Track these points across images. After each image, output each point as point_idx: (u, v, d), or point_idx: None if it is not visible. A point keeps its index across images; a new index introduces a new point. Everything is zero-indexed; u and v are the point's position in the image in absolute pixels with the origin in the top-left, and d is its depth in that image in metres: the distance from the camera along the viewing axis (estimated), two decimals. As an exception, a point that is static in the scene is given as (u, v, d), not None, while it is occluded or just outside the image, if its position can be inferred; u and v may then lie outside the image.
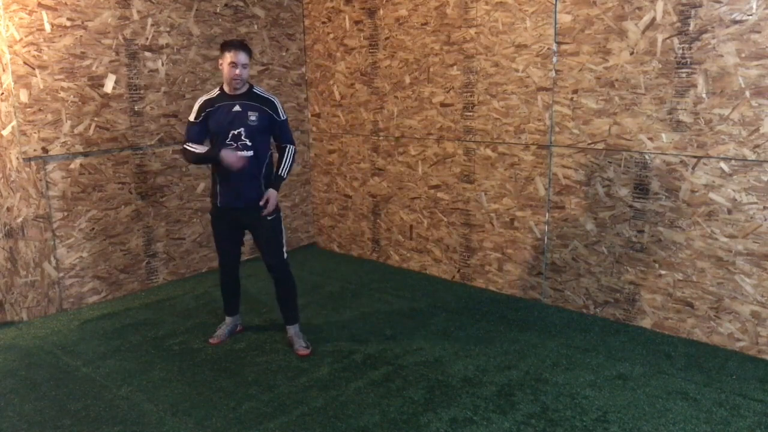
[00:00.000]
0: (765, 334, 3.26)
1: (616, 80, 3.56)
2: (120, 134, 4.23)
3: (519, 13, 3.90)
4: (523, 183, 4.07)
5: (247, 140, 3.21)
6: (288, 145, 3.39)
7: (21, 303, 3.94)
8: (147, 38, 4.28)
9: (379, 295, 4.33)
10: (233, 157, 3.14)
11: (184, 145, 3.25)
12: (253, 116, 3.22)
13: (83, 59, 3.99)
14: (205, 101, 3.26)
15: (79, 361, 3.39)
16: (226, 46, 3.18)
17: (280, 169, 3.36)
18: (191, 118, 3.26)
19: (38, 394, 3.04)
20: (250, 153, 3.21)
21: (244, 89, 3.26)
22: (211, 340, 3.59)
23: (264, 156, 3.30)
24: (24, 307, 3.96)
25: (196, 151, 3.21)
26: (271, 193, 3.29)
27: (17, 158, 3.80)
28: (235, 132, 3.20)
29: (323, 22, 5.12)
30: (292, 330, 3.52)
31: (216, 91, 3.29)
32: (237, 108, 3.21)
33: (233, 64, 3.15)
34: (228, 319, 3.67)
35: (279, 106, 3.34)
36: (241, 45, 3.20)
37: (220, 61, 3.21)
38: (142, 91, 4.30)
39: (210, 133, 3.26)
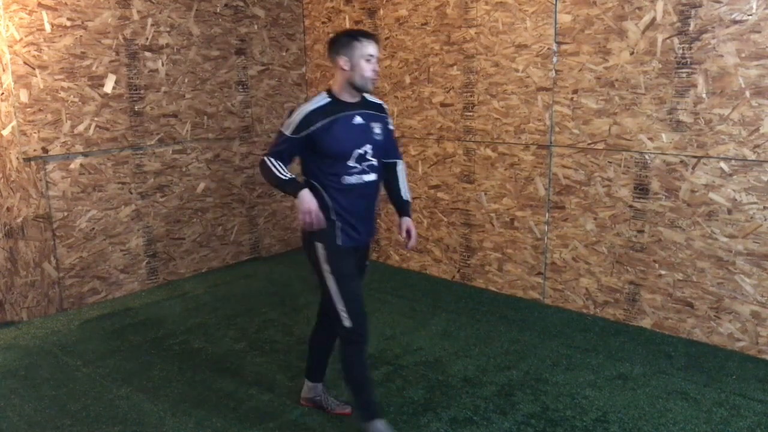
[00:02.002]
0: (765, 334, 3.26)
1: (616, 80, 3.56)
2: (120, 134, 4.23)
3: (519, 13, 3.90)
4: (523, 183, 4.07)
5: (374, 160, 2.49)
6: (399, 161, 2.72)
7: (21, 303, 3.94)
8: (147, 38, 4.28)
9: (379, 295, 4.33)
10: (311, 206, 2.35)
11: (267, 159, 2.44)
12: (377, 128, 2.51)
13: (83, 59, 3.99)
14: (313, 112, 2.40)
15: (79, 361, 3.39)
16: (357, 36, 2.42)
17: (403, 192, 2.72)
18: (287, 131, 2.42)
19: (38, 394, 3.04)
20: (374, 177, 2.51)
21: (359, 95, 2.50)
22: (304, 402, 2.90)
23: (381, 179, 2.62)
24: (24, 307, 3.96)
25: (281, 175, 2.41)
26: (411, 222, 2.68)
27: (17, 158, 3.80)
28: (360, 151, 2.44)
29: (323, 22, 5.11)
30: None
31: (324, 99, 2.45)
32: (359, 120, 2.46)
33: (371, 58, 2.40)
34: (319, 386, 2.89)
35: (387, 110, 2.68)
36: (372, 34, 2.52)
37: (343, 58, 2.40)
38: (142, 91, 4.30)
39: (320, 155, 2.42)
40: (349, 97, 2.46)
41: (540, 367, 3.23)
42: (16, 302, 3.92)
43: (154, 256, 4.53)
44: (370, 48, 2.40)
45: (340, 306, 2.45)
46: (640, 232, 3.62)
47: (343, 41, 2.42)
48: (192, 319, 3.93)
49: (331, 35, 5.02)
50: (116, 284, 4.35)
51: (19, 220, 3.86)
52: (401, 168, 2.72)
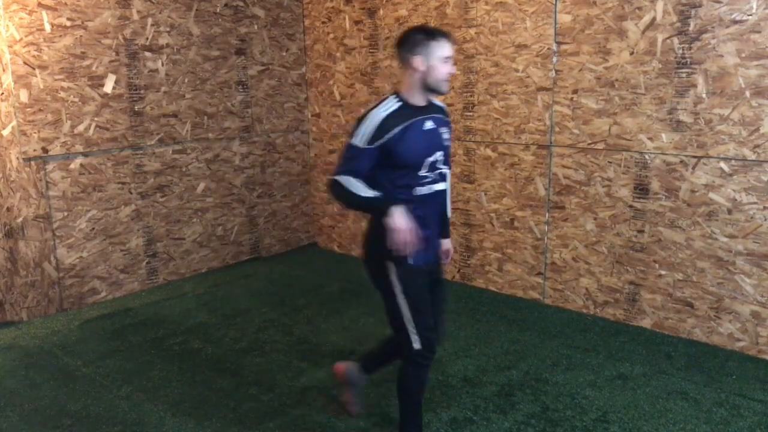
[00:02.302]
0: (765, 334, 3.26)
1: (616, 80, 3.56)
2: (120, 134, 4.23)
3: (519, 13, 3.89)
4: (523, 183, 4.07)
5: (444, 168, 2.34)
6: (449, 171, 2.47)
7: (21, 303, 3.94)
8: (147, 38, 4.28)
9: (379, 295, 4.32)
10: (407, 224, 2.12)
11: (340, 179, 2.20)
12: (445, 134, 2.36)
13: (83, 59, 3.99)
14: (388, 118, 2.19)
15: (79, 361, 3.39)
16: (434, 35, 2.23)
17: (448, 207, 2.55)
18: (360, 141, 2.19)
19: (38, 394, 3.04)
20: (443, 186, 2.36)
21: (427, 98, 2.33)
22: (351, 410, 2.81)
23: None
24: (24, 307, 3.96)
25: (363, 193, 2.17)
26: (450, 244, 2.59)
27: (17, 158, 3.81)
28: (432, 159, 2.27)
29: (323, 22, 5.12)
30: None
31: (394, 102, 2.24)
32: (429, 125, 2.29)
33: (448, 59, 2.24)
34: (364, 377, 2.78)
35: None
36: (448, 32, 2.32)
37: (418, 58, 2.20)
38: (142, 91, 4.30)
39: (391, 165, 2.23)
40: (419, 101, 2.29)
41: (540, 367, 3.23)
42: (16, 302, 3.92)
43: (154, 256, 4.53)
44: (447, 48, 2.23)
45: (411, 327, 2.28)
46: (640, 232, 3.62)
47: (418, 40, 2.22)
48: (192, 319, 3.93)
49: (330, 35, 5.06)
50: (116, 284, 4.35)
51: (19, 220, 3.86)
52: (449, 179, 2.49)
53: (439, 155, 2.29)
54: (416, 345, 2.28)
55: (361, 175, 2.20)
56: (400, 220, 2.10)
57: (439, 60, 2.21)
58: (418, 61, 2.21)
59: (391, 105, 2.23)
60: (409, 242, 2.12)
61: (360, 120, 2.23)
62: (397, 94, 2.28)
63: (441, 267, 2.52)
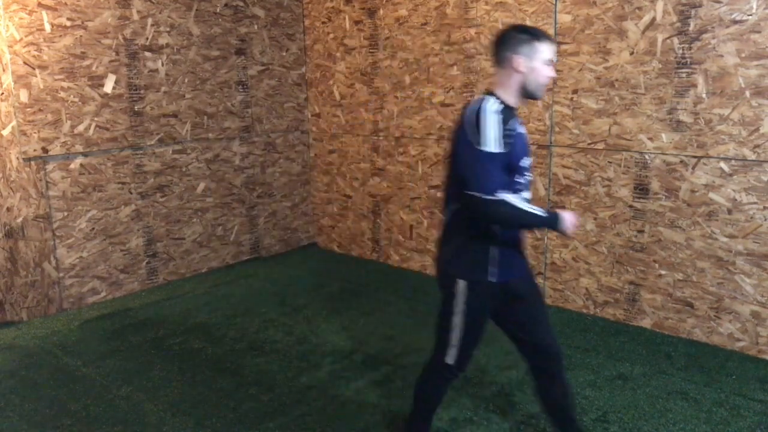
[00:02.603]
0: (765, 334, 3.26)
1: (616, 80, 3.56)
2: (120, 134, 4.23)
3: (519, 13, 3.90)
4: (523, 183, 4.07)
5: (531, 175, 2.24)
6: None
7: (21, 303, 3.94)
8: (147, 38, 4.28)
9: (379, 295, 4.33)
10: (573, 219, 2.07)
11: (505, 196, 1.97)
12: (528, 139, 2.25)
13: (83, 59, 3.99)
14: (505, 117, 2.02)
15: (79, 361, 3.39)
16: (538, 35, 2.08)
17: None
18: (492, 147, 1.96)
19: (38, 394, 3.04)
20: (530, 194, 2.22)
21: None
22: None
23: None
24: (24, 307, 3.96)
25: (536, 211, 2.02)
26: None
27: (17, 158, 3.81)
28: (526, 164, 2.14)
29: (323, 22, 5.12)
30: None
31: (497, 103, 2.04)
32: (522, 129, 2.15)
33: (550, 63, 2.10)
34: None
35: None
36: (550, 34, 2.13)
37: (521, 58, 2.05)
38: (142, 91, 4.30)
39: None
40: (515, 103, 2.11)
41: (540, 367, 3.22)
42: (16, 302, 3.92)
43: (154, 256, 4.53)
44: (550, 51, 2.09)
45: (454, 344, 2.17)
46: (640, 232, 3.62)
47: (523, 39, 2.06)
48: (192, 319, 3.93)
49: (330, 35, 5.06)
50: (116, 284, 4.35)
51: (19, 220, 3.86)
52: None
53: (529, 161, 2.17)
54: (450, 360, 2.20)
55: (506, 184, 2.00)
56: (571, 221, 2.05)
57: (542, 62, 2.07)
58: (520, 62, 2.05)
59: (495, 104, 2.02)
60: (575, 225, 2.09)
61: (477, 123, 1.98)
62: (490, 93, 2.09)
63: (534, 280, 2.33)
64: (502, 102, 2.05)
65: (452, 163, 2.12)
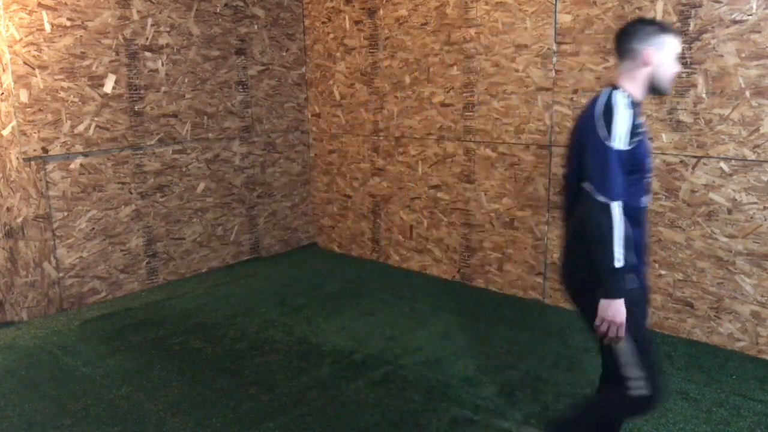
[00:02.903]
0: (765, 334, 3.26)
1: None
2: (120, 134, 4.23)
3: (519, 13, 3.90)
4: (523, 183, 4.07)
5: (651, 175, 2.09)
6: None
7: (21, 303, 3.94)
8: (147, 38, 4.28)
9: (379, 295, 4.33)
10: (620, 320, 1.88)
11: (615, 205, 1.86)
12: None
13: (83, 59, 3.99)
14: (635, 112, 1.93)
15: (79, 361, 3.39)
16: (667, 29, 2.03)
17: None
18: (619, 142, 1.87)
19: (38, 394, 3.04)
20: (651, 198, 2.18)
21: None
22: None
23: None
24: (24, 307, 3.96)
25: (617, 241, 1.86)
26: None
27: (17, 158, 3.81)
28: (649, 164, 2.02)
29: (323, 22, 5.11)
30: None
31: (625, 96, 1.94)
32: (646, 126, 2.07)
33: (677, 57, 2.05)
34: None
35: None
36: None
37: (651, 49, 1.98)
38: (142, 91, 4.30)
39: (627, 171, 1.92)
40: (641, 97, 2.03)
41: (540, 367, 3.23)
42: (16, 302, 3.92)
43: (154, 256, 4.53)
44: (678, 45, 2.04)
45: (636, 372, 1.94)
46: (640, 232, 3.62)
47: (652, 31, 2.00)
48: (192, 319, 3.93)
49: (330, 35, 5.06)
50: (116, 284, 4.35)
51: (19, 220, 3.86)
52: None
53: (650, 161, 2.00)
54: (642, 392, 1.94)
55: (624, 188, 1.87)
56: (622, 311, 1.85)
57: (670, 56, 2.01)
58: (650, 54, 1.98)
59: (624, 97, 1.93)
60: (617, 335, 1.86)
61: (605, 115, 1.90)
62: (616, 87, 1.99)
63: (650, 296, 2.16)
64: (630, 96, 1.96)
65: (577, 163, 1.99)
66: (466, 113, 4.29)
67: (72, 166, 4.03)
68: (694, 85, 3.29)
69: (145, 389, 3.07)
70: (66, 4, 3.87)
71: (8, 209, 3.82)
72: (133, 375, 3.21)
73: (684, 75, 3.32)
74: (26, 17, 3.73)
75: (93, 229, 4.18)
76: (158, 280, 4.58)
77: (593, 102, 1.99)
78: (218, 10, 4.66)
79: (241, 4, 4.80)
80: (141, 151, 4.36)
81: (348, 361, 3.33)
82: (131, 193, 4.34)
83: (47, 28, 3.81)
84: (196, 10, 4.52)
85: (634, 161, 1.91)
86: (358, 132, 5.04)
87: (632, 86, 2.01)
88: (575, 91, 3.74)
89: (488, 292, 4.35)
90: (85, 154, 4.09)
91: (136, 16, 4.20)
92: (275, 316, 3.95)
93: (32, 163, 3.87)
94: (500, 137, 4.14)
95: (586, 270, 1.94)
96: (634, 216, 1.95)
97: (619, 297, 1.85)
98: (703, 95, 3.27)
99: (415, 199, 4.73)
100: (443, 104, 4.41)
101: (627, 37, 2.04)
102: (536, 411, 2.81)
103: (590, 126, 1.93)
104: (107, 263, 4.28)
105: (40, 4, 3.76)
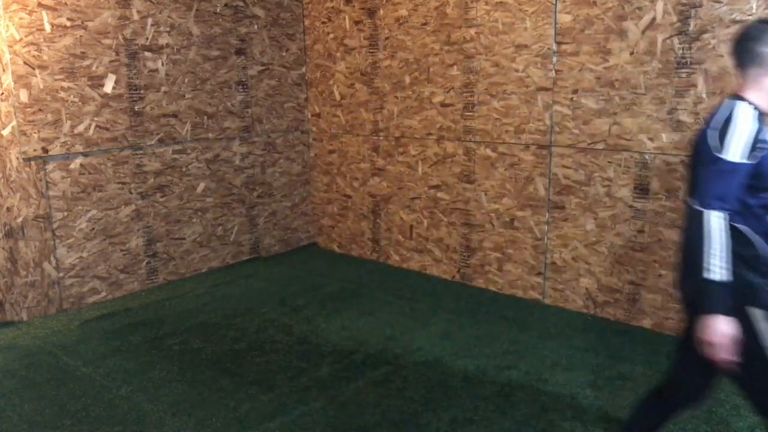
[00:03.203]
0: (765, 334, 3.26)
1: (616, 80, 3.56)
2: (120, 134, 4.23)
3: (519, 13, 3.90)
4: (523, 183, 4.07)
5: None
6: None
7: (21, 303, 3.94)
8: (147, 38, 4.28)
9: (379, 295, 4.33)
10: (729, 337, 1.76)
11: (715, 216, 1.74)
12: None
13: (83, 59, 3.99)
14: (761, 125, 1.78)
15: (79, 361, 3.39)
16: None
17: None
18: (734, 155, 1.73)
19: (38, 394, 3.04)
20: None
21: None
22: None
23: None
24: (24, 307, 3.96)
25: (719, 263, 1.74)
26: None
27: (17, 158, 3.81)
28: None
29: (323, 22, 5.11)
30: None
31: (750, 108, 1.79)
32: None
33: None
34: None
35: None
36: None
37: None
38: (142, 91, 4.30)
39: (755, 186, 1.78)
40: (767, 108, 1.83)
41: (540, 367, 3.23)
42: (16, 302, 3.92)
43: (154, 256, 4.53)
44: None
45: None
46: (640, 232, 3.62)
47: None
48: (192, 319, 3.93)
49: (330, 35, 5.06)
50: (116, 284, 4.35)
51: (19, 220, 3.86)
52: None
53: None
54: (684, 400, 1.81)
55: (731, 202, 1.74)
56: (726, 329, 1.71)
57: None
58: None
59: (748, 109, 1.78)
60: (726, 356, 1.71)
61: (723, 127, 1.76)
62: (740, 97, 1.83)
63: None
64: (756, 108, 1.79)
65: (689, 177, 1.90)
66: (466, 113, 4.29)
67: (72, 166, 4.03)
68: (694, 85, 3.29)
69: (145, 389, 3.07)
70: (66, 4, 3.87)
71: (8, 209, 3.82)
72: (133, 375, 3.21)
73: (684, 75, 3.32)
74: (26, 17, 3.73)
75: (93, 229, 4.18)
76: (158, 280, 4.58)
77: (713, 114, 1.85)
78: (218, 10, 4.66)
79: (241, 4, 4.80)
80: (141, 151, 4.36)
81: (348, 361, 3.33)
82: (131, 193, 4.34)
83: (47, 28, 3.81)
84: (196, 10, 4.52)
85: (761, 177, 1.76)
86: (358, 132, 5.04)
87: (758, 97, 1.82)
88: (575, 91, 3.74)
89: (488, 292, 4.35)
90: (85, 154, 4.09)
91: (136, 16, 4.20)
92: (275, 316, 3.95)
93: (32, 163, 3.87)
94: (500, 137, 4.14)
95: (690, 282, 1.86)
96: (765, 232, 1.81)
97: (713, 313, 1.71)
98: (703, 95, 3.27)
99: (415, 199, 4.73)
100: (443, 104, 4.41)
101: (750, 42, 1.82)
102: (536, 411, 2.81)
103: (703, 138, 1.82)
104: (107, 263, 4.28)
105: (40, 4, 3.77)
